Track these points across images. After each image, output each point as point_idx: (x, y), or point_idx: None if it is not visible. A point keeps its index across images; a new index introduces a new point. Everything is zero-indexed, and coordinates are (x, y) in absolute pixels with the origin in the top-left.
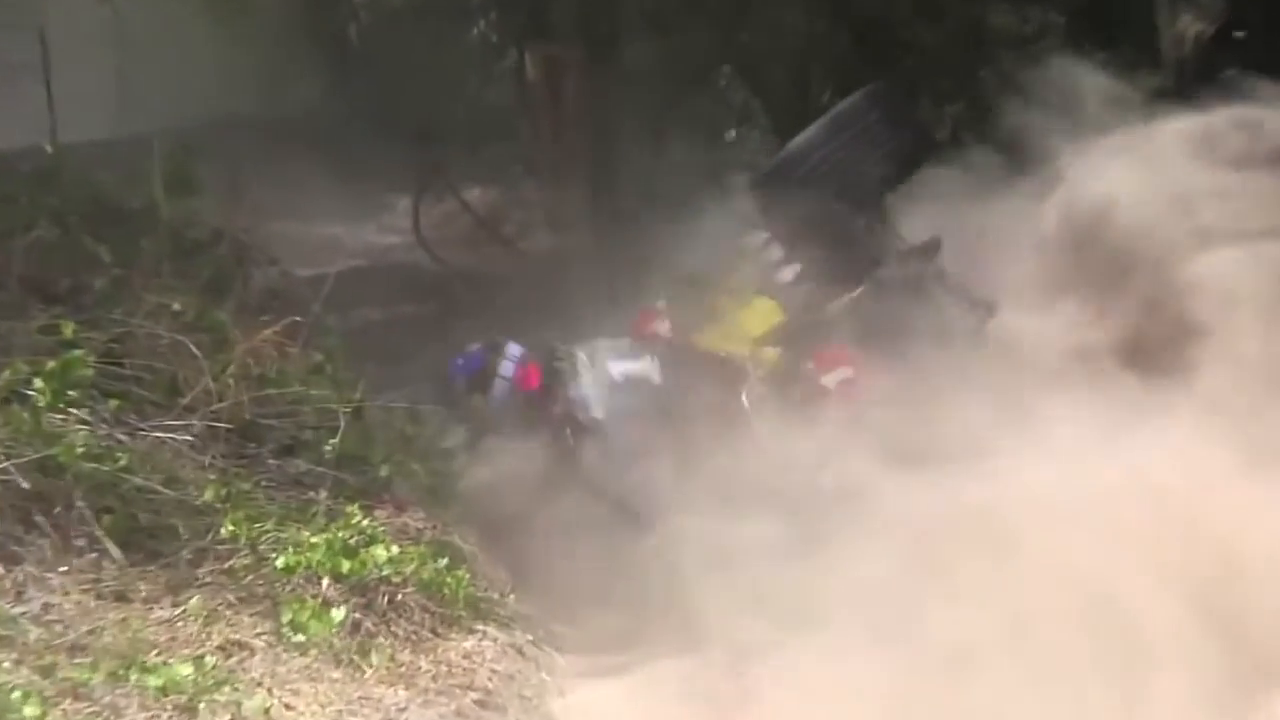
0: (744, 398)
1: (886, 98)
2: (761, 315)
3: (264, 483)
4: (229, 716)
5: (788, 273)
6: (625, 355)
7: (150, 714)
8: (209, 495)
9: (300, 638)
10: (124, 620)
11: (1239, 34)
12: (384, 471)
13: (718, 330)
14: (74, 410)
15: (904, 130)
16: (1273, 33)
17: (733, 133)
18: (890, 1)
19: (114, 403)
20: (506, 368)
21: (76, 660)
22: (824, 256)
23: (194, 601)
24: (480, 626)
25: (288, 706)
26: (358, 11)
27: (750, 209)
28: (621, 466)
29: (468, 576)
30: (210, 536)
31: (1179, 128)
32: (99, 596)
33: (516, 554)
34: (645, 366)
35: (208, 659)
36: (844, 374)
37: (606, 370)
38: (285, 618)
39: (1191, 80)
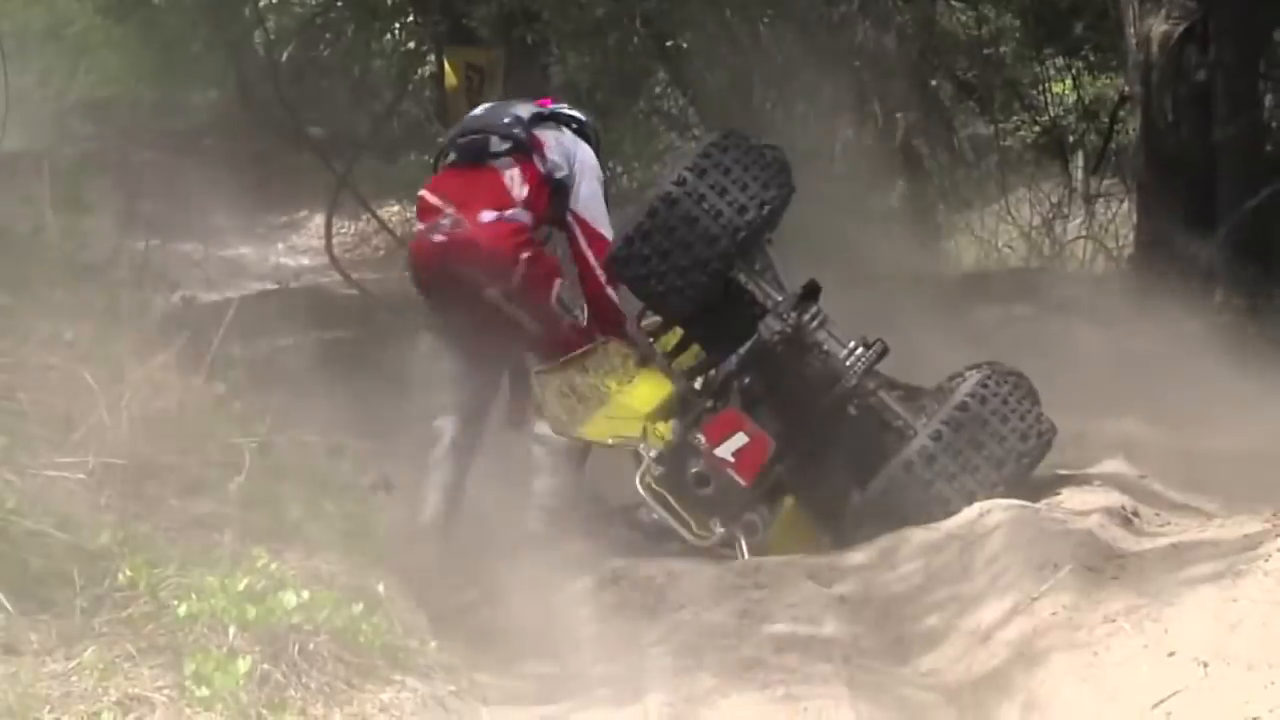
0: (638, 484)
1: (735, 143)
2: (649, 390)
3: (164, 525)
4: None
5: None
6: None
7: None
8: (105, 539)
9: (205, 691)
10: (14, 674)
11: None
12: (294, 512)
13: (604, 416)
14: None
15: (764, 174)
16: (1243, 32)
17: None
18: (836, 3)
19: (1, 439)
20: None
21: None
22: (700, 319)
23: (89, 653)
24: (398, 677)
25: None
26: (263, 17)
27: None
28: None
29: (384, 623)
30: (107, 583)
31: None
32: None
33: (437, 598)
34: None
35: (104, 715)
36: (739, 441)
37: None
38: (188, 669)
39: (1159, 85)
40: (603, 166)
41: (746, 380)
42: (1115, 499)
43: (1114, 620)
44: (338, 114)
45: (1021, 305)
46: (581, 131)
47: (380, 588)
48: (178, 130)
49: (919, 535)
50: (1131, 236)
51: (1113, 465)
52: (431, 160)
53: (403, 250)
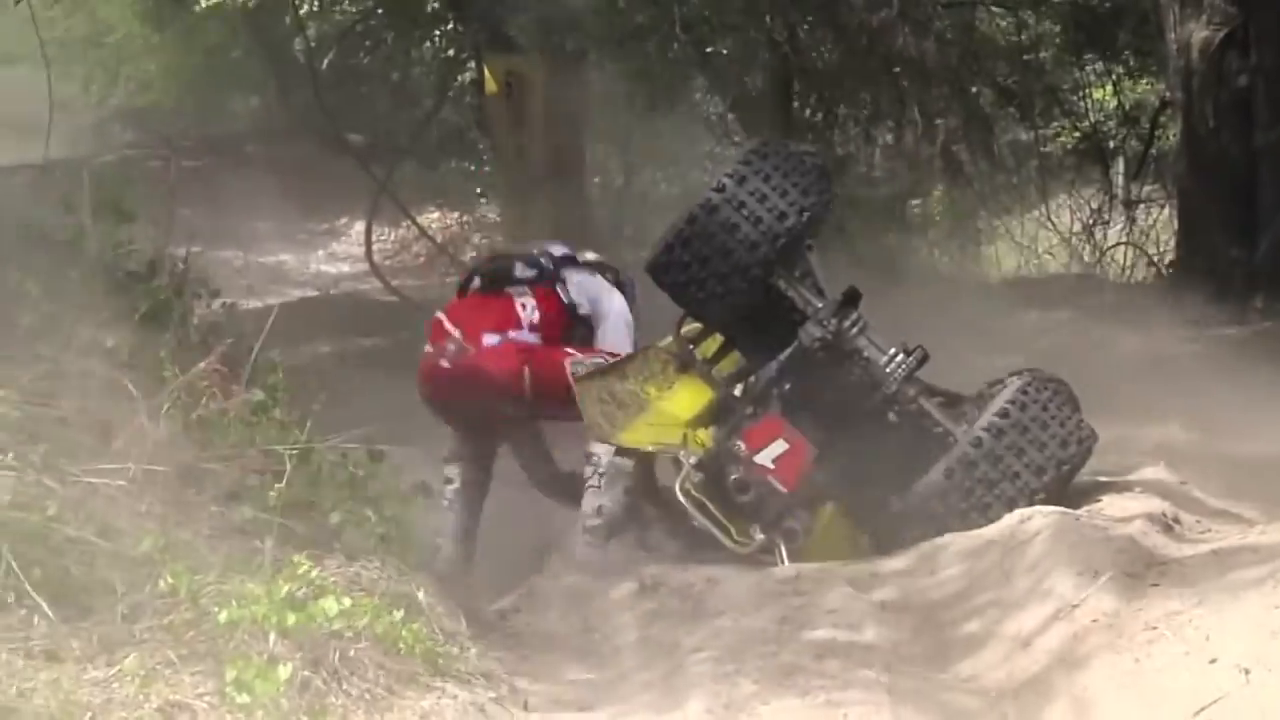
0: (677, 490)
1: (775, 149)
2: (689, 396)
3: (205, 532)
4: None
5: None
6: None
7: None
8: (146, 546)
9: (245, 698)
10: (55, 681)
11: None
12: (334, 518)
13: (644, 423)
14: None
15: (804, 181)
16: None
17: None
18: (875, 9)
19: (43, 446)
20: None
21: None
22: (740, 325)
23: (130, 660)
24: (439, 683)
25: None
26: (304, 24)
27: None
28: None
29: (425, 629)
30: (148, 590)
31: None
32: (28, 655)
33: (478, 604)
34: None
35: None
36: (779, 448)
37: None
38: (229, 676)
39: (1200, 90)
40: (632, 304)
41: (787, 386)
42: (1156, 505)
43: (1155, 627)
44: (378, 121)
45: (1062, 311)
46: (617, 281)
47: (420, 594)
48: (218, 137)
49: (959, 542)
50: (1172, 242)
51: (1153, 471)
52: (459, 284)
53: (442, 256)
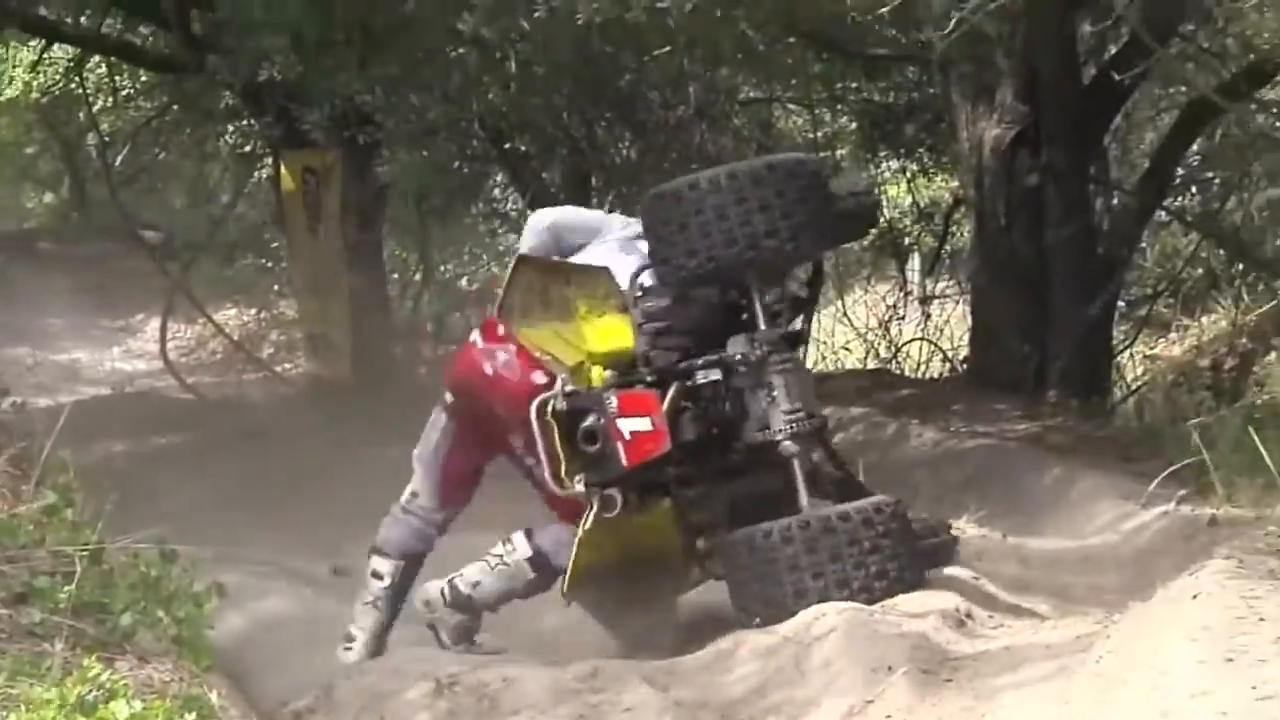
0: (532, 408)
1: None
2: (611, 333)
3: None
4: None
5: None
6: None
7: None
8: None
9: None
10: None
11: None
12: (125, 620)
13: (554, 330)
14: None
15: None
16: (1073, 138)
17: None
18: (672, 106)
19: None
20: None
21: None
22: (693, 302)
23: None
24: None
25: None
26: (96, 121)
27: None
28: None
29: None
30: None
31: None
32: None
33: (272, 705)
34: None
35: None
36: (642, 424)
37: None
38: None
39: (991, 188)
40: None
41: (694, 381)
42: (949, 601)
43: None
44: (174, 217)
45: (858, 405)
46: None
47: (213, 696)
48: (10, 233)
49: (755, 638)
50: (966, 338)
51: (947, 567)
52: None
53: (239, 353)
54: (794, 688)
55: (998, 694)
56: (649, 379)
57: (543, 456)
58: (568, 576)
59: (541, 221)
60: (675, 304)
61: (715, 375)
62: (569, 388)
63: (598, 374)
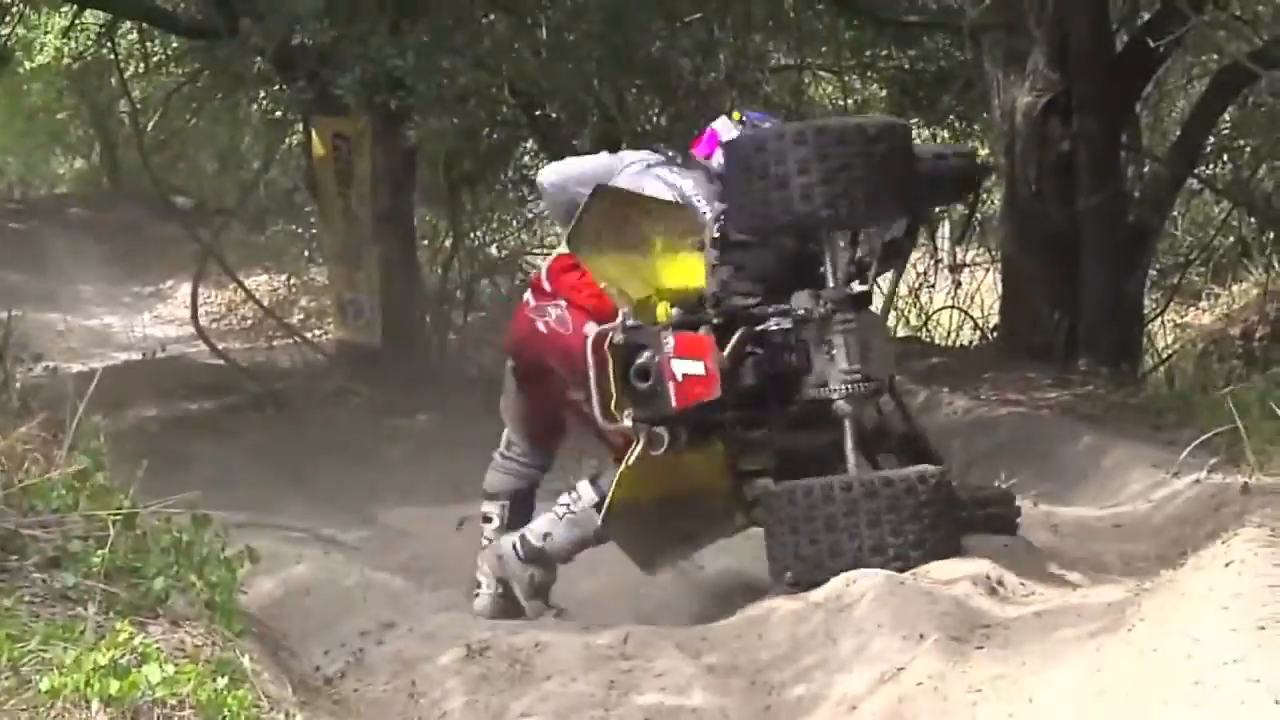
0: (589, 340)
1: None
2: (685, 271)
3: (27, 598)
4: None
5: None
6: None
7: None
8: None
9: None
10: None
11: None
12: (158, 584)
13: (622, 260)
14: None
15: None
16: (1104, 104)
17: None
18: (703, 72)
19: None
20: None
21: None
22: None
23: None
24: None
25: None
26: (128, 87)
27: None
28: None
29: (250, 696)
30: None
31: None
32: None
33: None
34: None
35: None
36: (695, 368)
37: None
38: None
39: (1023, 155)
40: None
41: (760, 327)
42: (980, 568)
43: (979, 689)
44: (205, 183)
45: None
46: None
47: (245, 660)
48: (42, 199)
49: (786, 604)
50: (997, 306)
51: (978, 534)
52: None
53: (269, 319)
54: (825, 653)
55: (1029, 661)
56: (715, 321)
57: (594, 389)
58: (606, 506)
59: (547, 178)
60: (752, 249)
61: (786, 324)
62: (630, 322)
63: (663, 310)
